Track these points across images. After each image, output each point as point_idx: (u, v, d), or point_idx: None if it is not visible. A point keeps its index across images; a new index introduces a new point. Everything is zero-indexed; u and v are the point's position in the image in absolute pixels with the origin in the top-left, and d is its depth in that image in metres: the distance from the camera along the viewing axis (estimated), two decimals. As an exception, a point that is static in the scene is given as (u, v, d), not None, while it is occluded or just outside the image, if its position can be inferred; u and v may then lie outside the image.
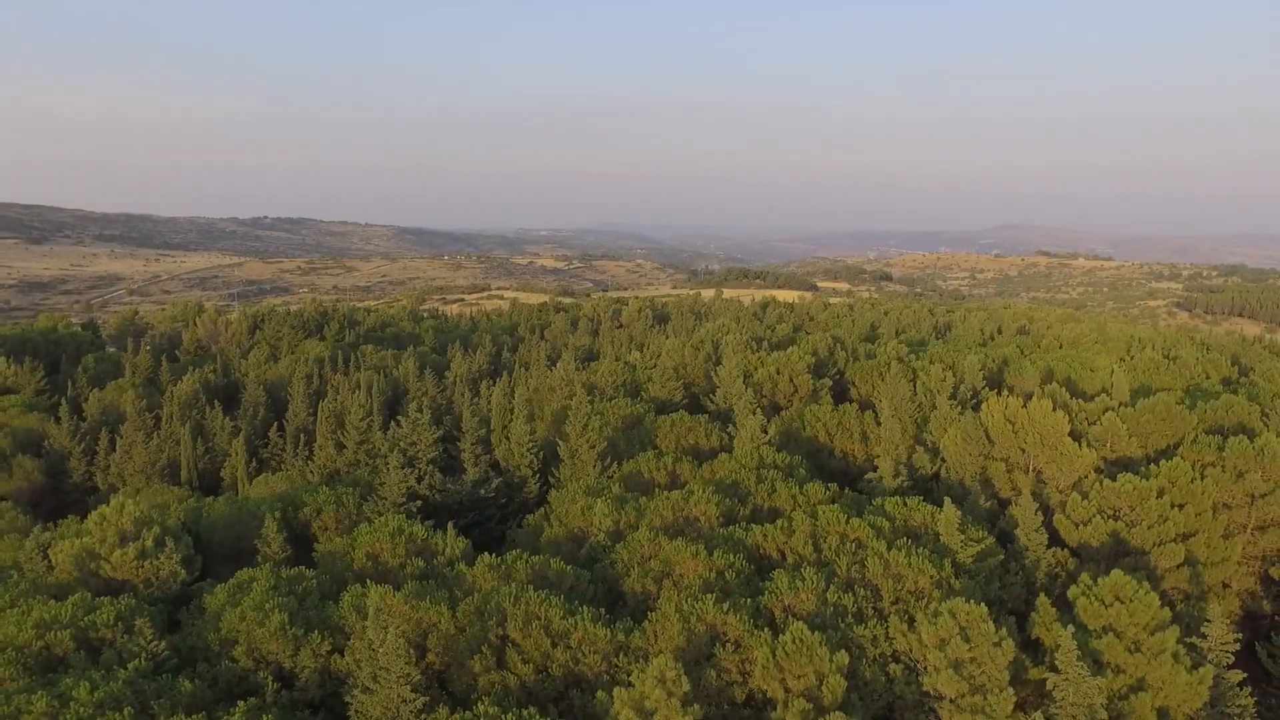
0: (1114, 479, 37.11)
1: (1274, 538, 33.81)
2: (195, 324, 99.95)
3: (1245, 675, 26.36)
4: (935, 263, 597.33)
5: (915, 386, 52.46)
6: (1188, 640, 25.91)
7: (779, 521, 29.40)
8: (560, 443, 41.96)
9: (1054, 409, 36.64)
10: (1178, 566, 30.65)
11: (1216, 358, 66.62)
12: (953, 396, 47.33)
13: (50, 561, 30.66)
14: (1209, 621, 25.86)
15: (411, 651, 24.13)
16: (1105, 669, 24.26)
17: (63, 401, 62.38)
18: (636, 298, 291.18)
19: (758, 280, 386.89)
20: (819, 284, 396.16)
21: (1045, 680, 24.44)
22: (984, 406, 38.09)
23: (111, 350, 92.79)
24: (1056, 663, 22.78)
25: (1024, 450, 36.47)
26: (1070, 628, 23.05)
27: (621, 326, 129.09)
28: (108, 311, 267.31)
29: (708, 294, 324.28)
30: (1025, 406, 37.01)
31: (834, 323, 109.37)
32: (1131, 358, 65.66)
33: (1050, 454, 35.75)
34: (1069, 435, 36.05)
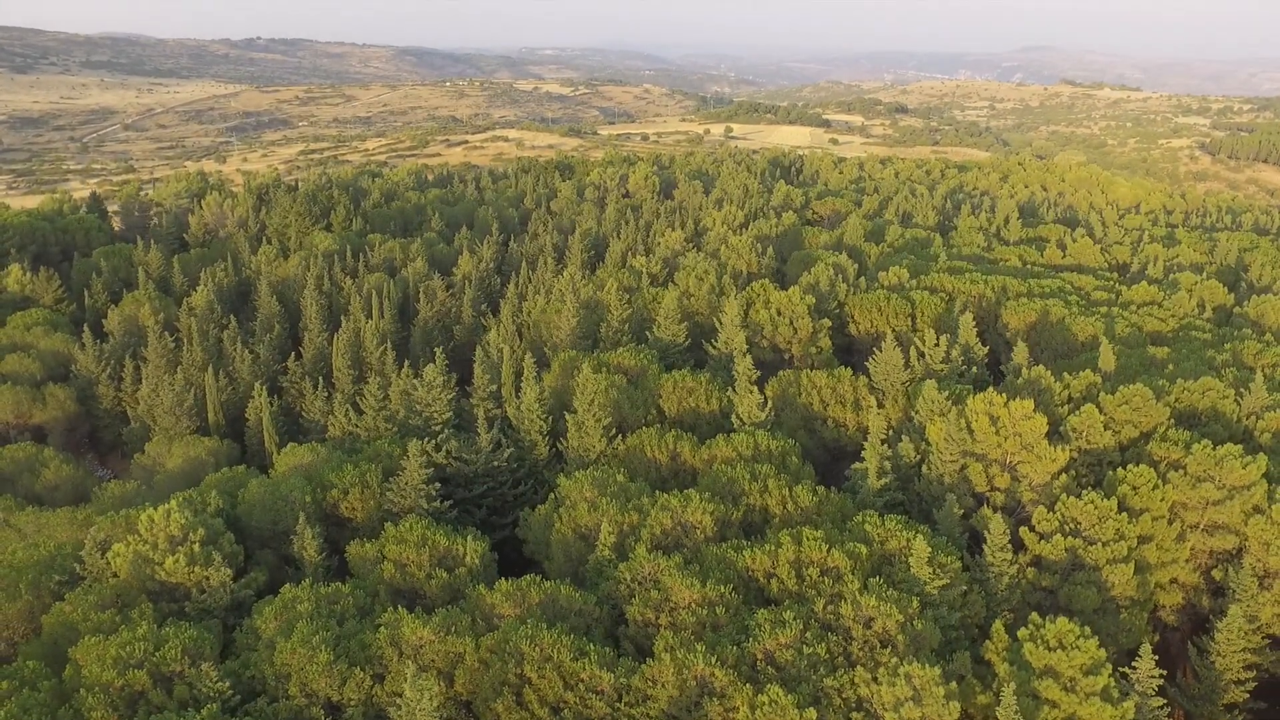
0: (1089, 472, 40.08)
1: (1220, 540, 36.88)
2: (201, 208, 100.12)
3: (1165, 702, 30.15)
4: (954, 91, 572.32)
5: (912, 325, 54.36)
6: (1120, 670, 29.49)
7: (766, 545, 32.45)
8: (569, 415, 44.43)
9: (1034, 410, 38.80)
10: (1126, 580, 33.91)
11: (1214, 285, 67.78)
12: (945, 361, 49.28)
13: (108, 562, 34.12)
14: (1139, 657, 29.32)
15: (443, 686, 27.93)
16: (1042, 704, 27.95)
17: (85, 326, 64.47)
18: (645, 138, 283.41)
19: (768, 115, 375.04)
20: (831, 118, 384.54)
21: (989, 705, 28.42)
22: (969, 403, 40.19)
23: (121, 241, 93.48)
24: (998, 713, 26.39)
25: (1002, 446, 38.95)
26: (1012, 684, 26.50)
27: (628, 195, 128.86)
28: (103, 153, 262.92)
29: (716, 131, 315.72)
30: (1007, 405, 39.12)
31: (842, 203, 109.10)
32: (1129, 286, 66.80)
33: (1027, 454, 38.26)
34: (1045, 436, 38.40)
